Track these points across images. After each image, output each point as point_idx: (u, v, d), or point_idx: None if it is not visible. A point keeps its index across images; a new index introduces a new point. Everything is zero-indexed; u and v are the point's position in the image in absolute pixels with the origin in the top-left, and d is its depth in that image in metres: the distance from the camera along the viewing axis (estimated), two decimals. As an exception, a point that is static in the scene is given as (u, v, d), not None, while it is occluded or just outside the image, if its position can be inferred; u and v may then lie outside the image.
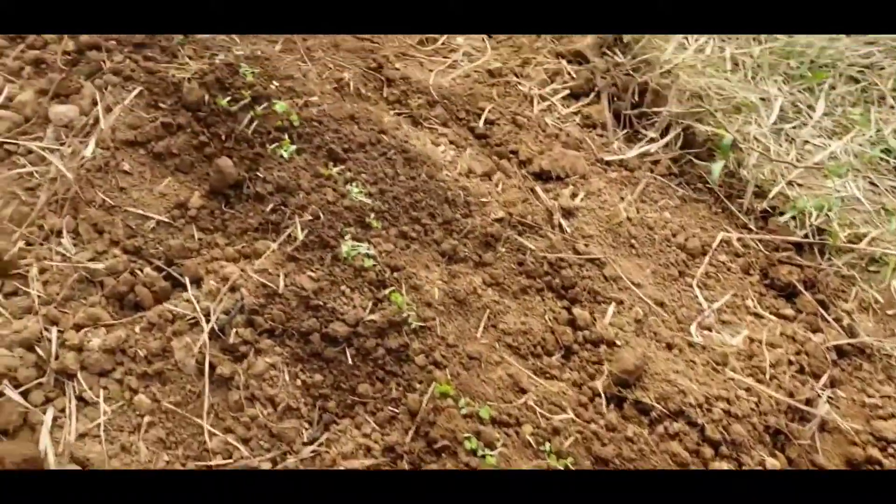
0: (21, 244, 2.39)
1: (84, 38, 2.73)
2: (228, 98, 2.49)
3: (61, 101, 2.72)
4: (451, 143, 2.74)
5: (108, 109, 2.51)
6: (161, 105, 2.53)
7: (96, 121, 2.54)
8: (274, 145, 2.42)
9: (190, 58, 2.68)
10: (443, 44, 3.13)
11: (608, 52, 3.05)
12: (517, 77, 2.96)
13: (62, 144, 2.58)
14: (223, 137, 2.49)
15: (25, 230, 2.43)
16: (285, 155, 2.39)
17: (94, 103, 2.60)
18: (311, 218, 2.21)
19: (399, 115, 2.81)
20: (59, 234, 2.40)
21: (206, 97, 2.52)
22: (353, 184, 2.29)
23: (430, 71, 2.98)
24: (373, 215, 2.23)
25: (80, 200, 2.38)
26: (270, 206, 2.30)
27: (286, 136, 2.43)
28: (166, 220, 2.36)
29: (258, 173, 2.39)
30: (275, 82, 2.52)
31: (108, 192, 2.37)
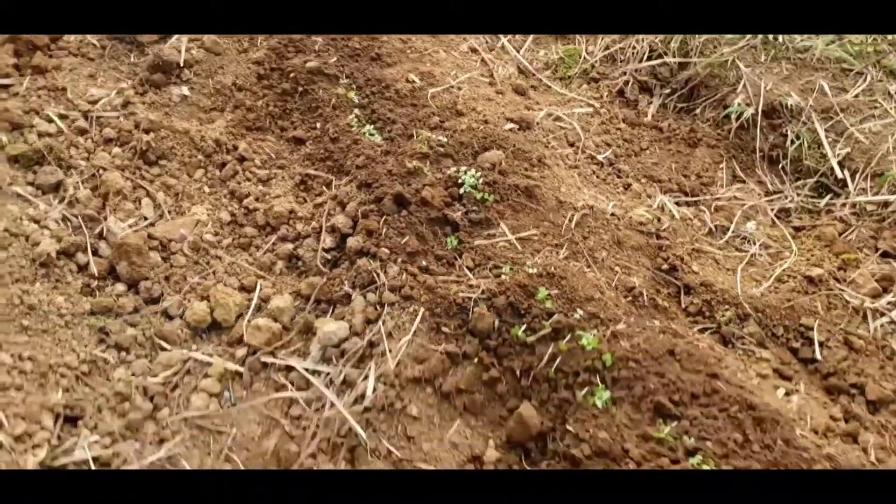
0: (289, 492, 2.16)
1: (352, 242, 2.53)
2: (524, 327, 2.20)
3: (324, 310, 2.53)
4: (776, 371, 2.34)
5: (389, 336, 2.26)
6: (444, 329, 2.28)
7: (371, 345, 2.31)
8: (584, 391, 2.09)
9: (469, 269, 2.43)
10: (734, 233, 2.76)
11: (950, 252, 2.61)
12: (839, 283, 2.55)
13: (330, 365, 2.36)
14: (518, 374, 2.20)
15: (293, 474, 2.20)
16: (599, 405, 2.06)
17: (367, 321, 2.38)
18: (651, 502, 1.84)
19: (705, 331, 2.45)
20: (334, 485, 2.15)
21: (497, 323, 2.24)
22: (699, 457, 1.92)
23: (729, 271, 2.62)
24: (731, 504, 1.84)
25: (359, 447, 2.12)
26: (591, 474, 1.95)
27: (598, 380, 2.10)
28: (460, 478, 2.06)
29: (567, 426, 2.06)
30: (578, 309, 2.21)
31: (394, 441, 2.10)
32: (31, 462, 2.05)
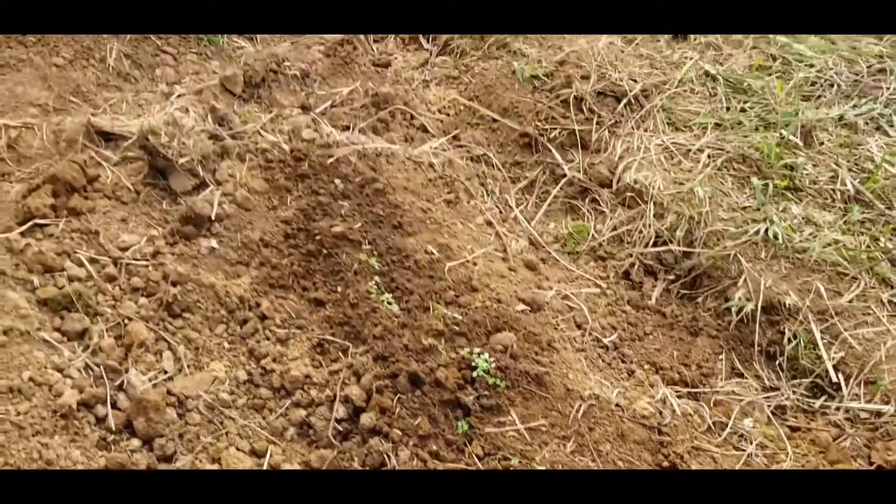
0: None
1: (365, 419, 2.62)
2: (531, 525, 2.26)
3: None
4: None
5: (397, 524, 2.32)
6: (451, 520, 2.32)
7: (378, 530, 2.35)
8: None
9: (478, 457, 2.51)
10: (732, 430, 2.86)
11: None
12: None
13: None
14: (522, 573, 2.23)
15: None
16: None
17: None
18: None
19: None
20: None
21: (504, 519, 2.29)
22: None
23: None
24: None
25: None
26: None
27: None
28: None
29: None
30: (583, 511, 2.28)
31: None
32: None
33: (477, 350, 2.80)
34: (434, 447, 2.53)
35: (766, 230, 3.43)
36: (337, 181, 3.56)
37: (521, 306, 3.11)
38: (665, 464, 2.68)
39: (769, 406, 3.03)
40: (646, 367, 3.14)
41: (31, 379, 2.67)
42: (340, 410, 2.74)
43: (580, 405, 2.73)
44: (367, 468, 2.51)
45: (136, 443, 2.68)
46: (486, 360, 2.74)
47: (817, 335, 3.15)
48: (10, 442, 2.50)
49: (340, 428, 2.71)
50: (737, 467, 2.74)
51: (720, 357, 3.21)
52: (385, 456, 2.50)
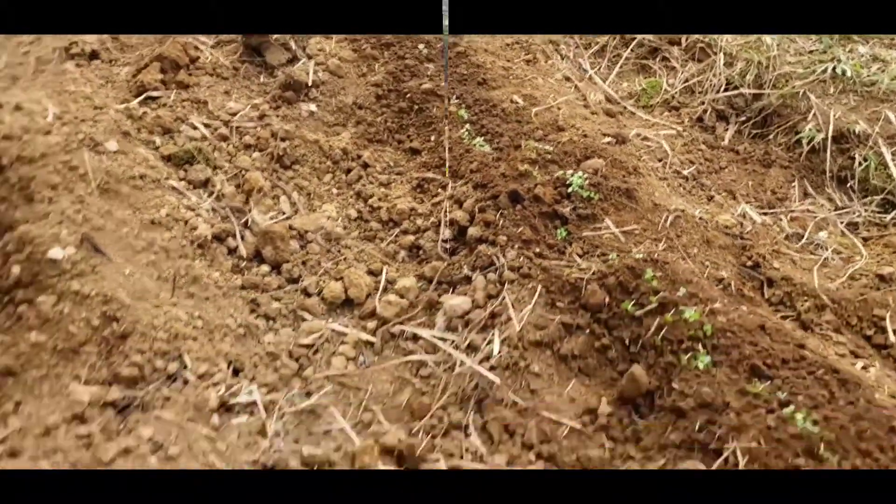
0: (424, 436, 2.49)
1: (472, 231, 2.91)
2: (633, 302, 2.54)
3: (444, 290, 2.90)
4: (852, 353, 2.65)
5: (511, 306, 2.62)
6: (559, 304, 2.63)
7: (493, 315, 2.66)
8: (687, 356, 2.42)
9: (579, 255, 2.79)
10: (808, 240, 3.10)
11: None
12: (908, 282, 2.87)
13: (455, 333, 2.72)
14: (626, 343, 2.53)
15: (427, 421, 2.54)
16: (701, 367, 2.39)
17: (488, 297, 2.74)
18: (752, 444, 2.16)
19: (786, 318, 2.77)
20: (465, 429, 2.48)
21: (607, 300, 2.58)
22: (792, 407, 2.23)
23: (806, 270, 2.95)
24: (822, 446, 2.15)
25: (488, 398, 2.46)
26: (696, 423, 2.27)
27: (699, 347, 2.43)
28: (577, 426, 2.39)
29: (673, 385, 2.39)
30: (681, 288, 2.55)
31: (519, 393, 2.44)
32: (212, 397, 2.42)
33: (570, 172, 3.07)
34: (537, 249, 2.82)
35: (834, 68, 3.61)
36: (420, 46, 3.82)
37: (607, 139, 3.36)
38: (749, 263, 2.93)
39: (842, 222, 3.26)
40: (723, 193, 3.38)
41: (168, 215, 3.00)
42: (446, 232, 3.03)
43: (667, 216, 2.99)
44: (477, 269, 2.81)
45: (265, 268, 3.01)
46: (580, 178, 3.00)
47: (887, 156, 3.35)
48: (161, 261, 2.85)
49: (448, 246, 3.01)
50: (814, 269, 2.98)
51: (793, 184, 3.43)
52: (494, 257, 2.80)
